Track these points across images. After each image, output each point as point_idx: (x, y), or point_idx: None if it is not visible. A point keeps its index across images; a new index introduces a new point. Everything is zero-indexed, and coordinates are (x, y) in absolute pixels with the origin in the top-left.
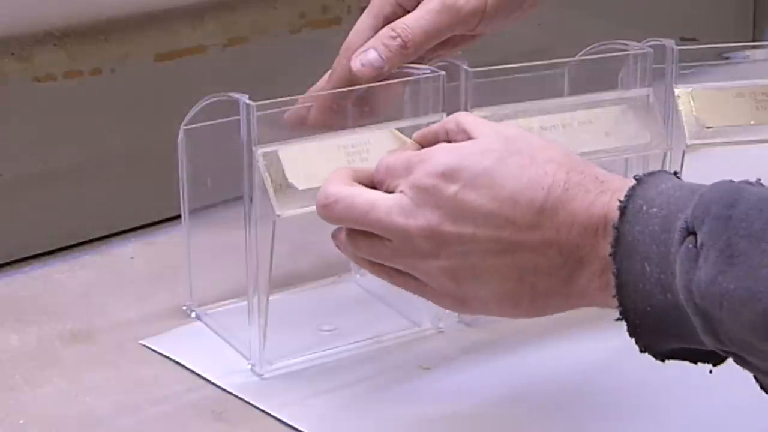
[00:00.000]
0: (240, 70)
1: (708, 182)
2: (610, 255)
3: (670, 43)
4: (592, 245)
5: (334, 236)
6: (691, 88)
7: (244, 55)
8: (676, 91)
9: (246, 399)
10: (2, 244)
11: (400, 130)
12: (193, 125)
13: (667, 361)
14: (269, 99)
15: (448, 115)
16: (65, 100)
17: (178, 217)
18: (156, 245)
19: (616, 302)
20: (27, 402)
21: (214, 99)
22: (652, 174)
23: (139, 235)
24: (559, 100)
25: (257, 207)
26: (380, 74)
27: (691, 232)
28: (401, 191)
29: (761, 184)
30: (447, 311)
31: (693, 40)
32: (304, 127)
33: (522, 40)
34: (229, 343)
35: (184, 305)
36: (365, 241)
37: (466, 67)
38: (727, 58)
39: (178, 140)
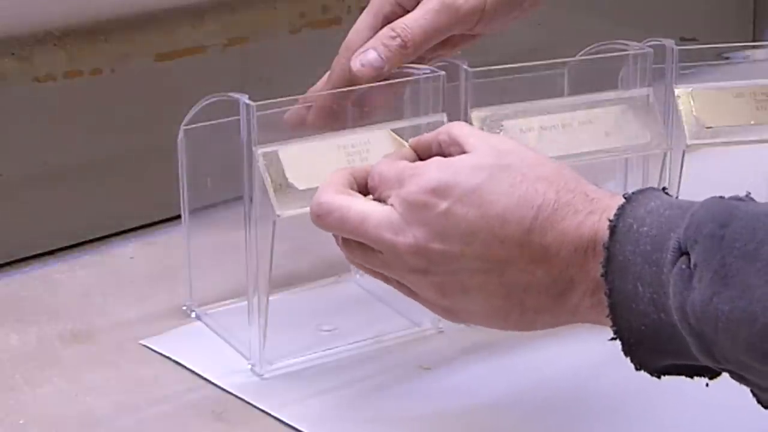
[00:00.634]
0: (240, 70)
1: (708, 182)
2: (602, 275)
3: (670, 43)
4: (581, 265)
5: (335, 236)
6: (691, 88)
7: (244, 55)
8: (676, 91)
9: (246, 399)
10: (2, 244)
11: (399, 130)
12: (193, 125)
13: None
14: (269, 99)
15: (448, 115)
16: (65, 100)
17: (178, 217)
18: (156, 245)
19: (609, 321)
20: (27, 402)
21: (214, 99)
22: (641, 191)
23: (139, 235)
24: (559, 100)
25: (257, 207)
26: (380, 74)
27: (683, 252)
28: (392, 204)
29: (752, 199)
30: None
31: (693, 40)
32: (303, 128)
33: (522, 40)
34: (229, 343)
35: (184, 305)
36: (359, 250)
37: (466, 67)
38: (727, 58)
39: (178, 140)
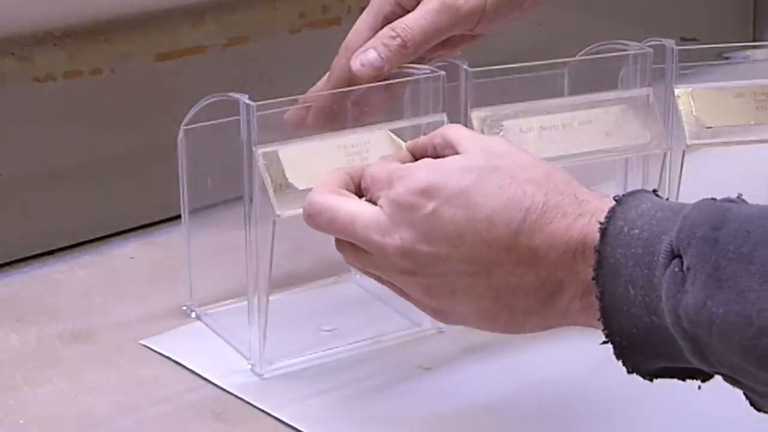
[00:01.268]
0: (240, 70)
1: (708, 182)
2: (593, 278)
3: (670, 43)
4: (570, 268)
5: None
6: (691, 88)
7: (244, 55)
8: (676, 91)
9: (246, 399)
10: (2, 244)
11: (400, 130)
12: (193, 125)
13: (655, 380)
14: (269, 99)
15: (448, 115)
16: (65, 100)
17: (178, 217)
18: (156, 245)
19: (600, 324)
20: (27, 402)
21: (214, 99)
22: (631, 194)
23: (139, 235)
24: (559, 100)
25: (257, 207)
26: (380, 74)
27: (676, 254)
28: (381, 205)
29: (744, 201)
30: None
31: (693, 40)
32: (303, 128)
33: (522, 40)
34: (229, 343)
35: (184, 305)
36: (351, 251)
37: (466, 67)
38: (727, 58)
39: (178, 140)
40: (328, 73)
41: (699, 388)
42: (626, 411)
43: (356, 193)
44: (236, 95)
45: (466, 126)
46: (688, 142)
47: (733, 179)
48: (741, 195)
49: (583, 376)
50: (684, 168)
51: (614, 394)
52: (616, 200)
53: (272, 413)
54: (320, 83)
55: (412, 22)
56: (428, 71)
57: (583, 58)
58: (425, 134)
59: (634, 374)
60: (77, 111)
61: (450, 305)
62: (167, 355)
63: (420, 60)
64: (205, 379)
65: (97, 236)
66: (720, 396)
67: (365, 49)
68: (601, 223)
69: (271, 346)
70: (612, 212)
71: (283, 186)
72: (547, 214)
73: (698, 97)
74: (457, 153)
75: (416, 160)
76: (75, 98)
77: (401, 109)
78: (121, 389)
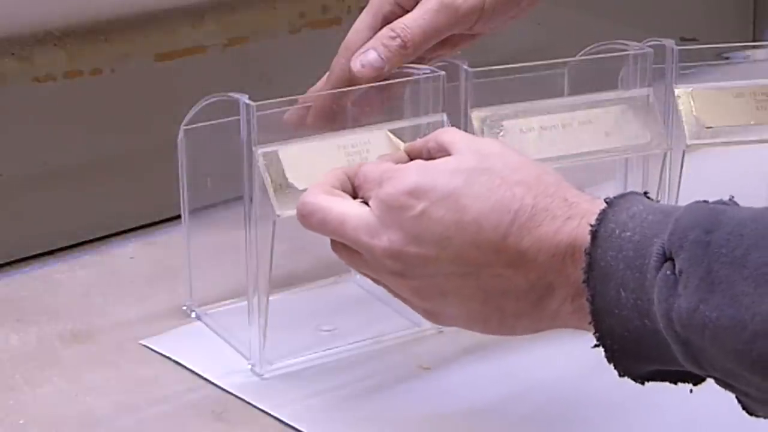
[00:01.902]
0: (240, 70)
1: (708, 182)
2: (584, 281)
3: (670, 43)
4: (560, 270)
5: None
6: (691, 88)
7: (244, 55)
8: (676, 91)
9: (246, 399)
10: (2, 244)
11: (399, 130)
12: (193, 125)
13: (646, 383)
14: (269, 99)
15: (448, 115)
16: (65, 100)
17: (178, 217)
18: (156, 245)
19: (591, 327)
20: (27, 402)
21: (214, 99)
22: (622, 196)
23: (139, 235)
24: (559, 100)
25: (257, 207)
26: (380, 74)
27: (668, 258)
28: (371, 205)
29: (735, 203)
30: None
31: (693, 40)
32: (303, 128)
33: (522, 40)
34: (229, 343)
35: (184, 305)
36: (345, 251)
37: (466, 67)
38: (727, 58)
39: (178, 140)
40: (327, 73)
41: (691, 391)
42: (625, 412)
43: (353, 193)
44: (236, 95)
45: (467, 126)
46: (688, 142)
47: (733, 179)
48: (733, 197)
49: (583, 376)
50: (684, 168)
51: (613, 394)
52: (606, 202)
53: (272, 413)
54: (320, 83)
55: (411, 22)
56: (428, 71)
57: (583, 58)
58: (425, 134)
59: (626, 378)
60: (77, 111)
61: (440, 307)
62: (167, 355)
63: (420, 60)
64: (205, 379)
65: (97, 236)
66: (712, 399)
67: (365, 50)
68: (591, 226)
69: (271, 346)
70: (603, 215)
71: (283, 186)
72: (536, 217)
73: (698, 97)
74: (449, 155)
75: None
76: (75, 98)
77: (401, 109)
78: (121, 389)
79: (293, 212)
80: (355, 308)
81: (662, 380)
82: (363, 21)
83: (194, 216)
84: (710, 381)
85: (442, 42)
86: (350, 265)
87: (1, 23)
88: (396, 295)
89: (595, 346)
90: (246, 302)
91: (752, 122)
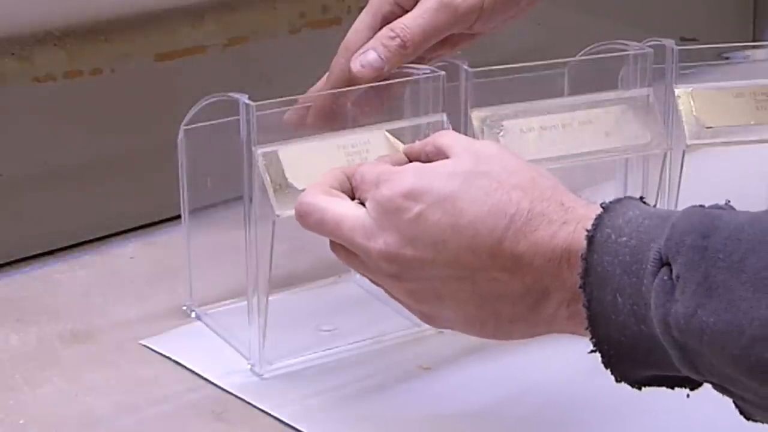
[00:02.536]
0: (240, 70)
1: (708, 182)
2: (580, 287)
3: (670, 43)
4: (556, 275)
5: None
6: (691, 88)
7: (244, 55)
8: (676, 91)
9: (246, 399)
10: (2, 244)
11: (399, 130)
12: (193, 125)
13: (643, 389)
14: (269, 99)
15: (448, 115)
16: (65, 100)
17: (178, 217)
18: (156, 245)
19: (587, 333)
20: (27, 402)
21: (214, 99)
22: (618, 201)
23: (139, 235)
24: (559, 100)
25: (257, 207)
26: (380, 75)
27: (665, 263)
28: (367, 207)
29: (732, 208)
30: None
31: (693, 40)
32: (303, 128)
33: (522, 40)
34: (229, 343)
35: (184, 305)
36: (342, 252)
37: (466, 67)
38: (727, 58)
39: (178, 140)
40: (327, 74)
41: (688, 396)
42: (621, 414)
43: (351, 193)
44: (236, 95)
45: (467, 126)
46: (688, 142)
47: (733, 179)
48: (729, 201)
49: (581, 378)
50: (684, 168)
51: (610, 397)
52: (603, 207)
53: (272, 413)
54: (320, 83)
55: (410, 22)
56: (428, 71)
57: (583, 58)
58: (425, 134)
59: (623, 383)
60: (77, 111)
61: (437, 310)
62: (167, 355)
63: (420, 60)
64: (205, 379)
65: (97, 236)
66: (709, 404)
67: (365, 50)
68: (588, 231)
69: (270, 346)
70: (599, 220)
71: (283, 186)
72: (532, 222)
73: (698, 97)
74: (447, 158)
75: (411, 162)
76: (75, 98)
77: (401, 109)
78: (121, 389)
79: (293, 212)
80: (355, 308)
81: (659, 385)
82: (362, 21)
83: (194, 216)
84: (707, 386)
85: (442, 42)
86: (348, 266)
87: (1, 23)
88: (393, 296)
89: (592, 351)
90: (246, 302)
91: (752, 122)
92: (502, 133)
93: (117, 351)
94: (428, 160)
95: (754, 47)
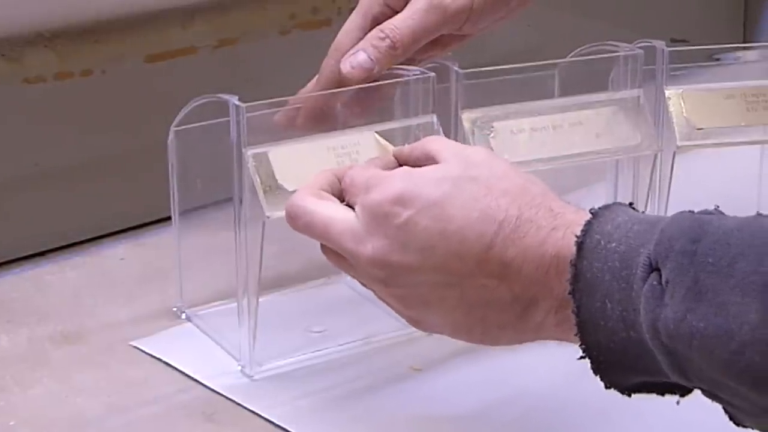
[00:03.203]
0: (230, 71)
1: (699, 184)
2: (569, 293)
3: (660, 44)
4: (544, 282)
5: None
6: (681, 90)
7: (235, 57)
8: (667, 93)
9: (236, 400)
10: None
11: (389, 131)
12: (184, 126)
13: (633, 395)
14: (259, 100)
15: (439, 116)
16: (56, 102)
17: (169, 218)
18: (146, 246)
19: (576, 339)
20: (17, 403)
21: (205, 100)
22: (607, 207)
23: (130, 236)
24: (549, 102)
25: (247, 208)
26: (370, 76)
27: (654, 268)
28: (356, 212)
29: (721, 212)
30: None
31: (683, 41)
32: (293, 129)
33: (513, 42)
34: (219, 345)
35: (174, 306)
36: (332, 255)
37: (456, 68)
38: (717, 60)
39: (169, 141)
40: (317, 75)
41: (678, 403)
42: (611, 417)
43: (341, 195)
44: (226, 96)
45: (457, 127)
46: (679, 143)
47: (724, 181)
48: (719, 207)
49: (571, 381)
50: (674, 169)
51: (600, 400)
52: (592, 213)
53: (262, 414)
54: (310, 85)
55: (400, 23)
56: (418, 72)
57: (573, 59)
58: (416, 135)
59: (612, 389)
60: (68, 112)
61: (424, 316)
62: (157, 356)
63: (410, 61)
64: (195, 380)
65: (88, 237)
66: (699, 409)
67: (355, 51)
68: (577, 237)
69: (260, 348)
70: (588, 226)
71: (273, 187)
72: (520, 228)
73: (689, 98)
74: (436, 163)
75: (401, 166)
76: (65, 99)
77: (391, 111)
78: (111, 390)
79: (283, 213)
80: (345, 309)
81: (649, 392)
82: (353, 22)
83: (184, 217)
84: (697, 392)
85: (433, 43)
86: (338, 268)
87: None
88: (382, 300)
89: (581, 357)
90: (236, 303)
91: (742, 123)
92: (492, 135)
93: (107, 352)
94: (417, 165)
95: (744, 48)
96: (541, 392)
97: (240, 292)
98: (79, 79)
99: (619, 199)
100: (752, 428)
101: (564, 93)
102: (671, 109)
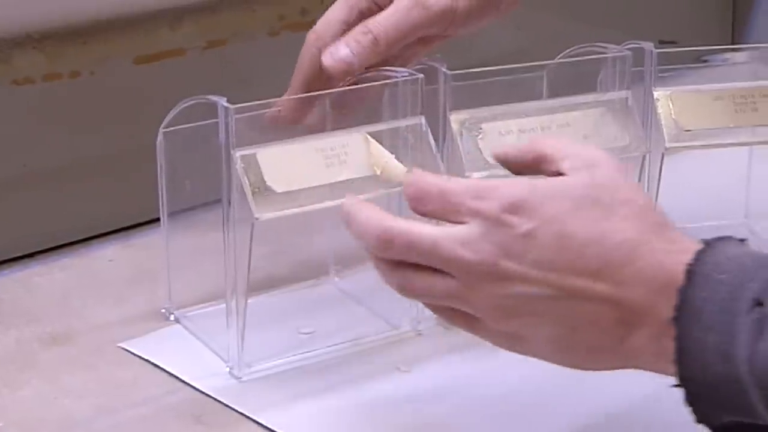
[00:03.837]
0: (219, 72)
1: (687, 185)
2: (673, 319)
3: (649, 45)
4: (651, 307)
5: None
6: (670, 91)
7: (223, 58)
8: (655, 94)
9: (224, 402)
10: None
11: (378, 132)
12: (172, 128)
13: None
14: (248, 101)
15: (427, 118)
16: (44, 103)
17: (157, 219)
18: (135, 248)
19: (671, 368)
20: (6, 405)
21: (193, 101)
22: (720, 238)
23: (118, 237)
24: (537, 103)
25: (236, 210)
26: (352, 70)
27: (759, 302)
28: (467, 221)
29: None
30: (426, 313)
31: (672, 42)
32: (279, 121)
33: (502, 44)
34: (208, 346)
35: (163, 308)
36: (418, 278)
37: (444, 69)
38: (705, 61)
39: (157, 143)
40: (297, 62)
41: None
42: (606, 413)
43: None
44: (215, 98)
45: (445, 128)
46: (667, 144)
47: (712, 182)
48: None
49: (566, 378)
50: (663, 171)
51: (597, 397)
52: (705, 243)
53: (251, 416)
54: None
55: (383, 19)
56: (406, 74)
57: (562, 60)
58: (404, 136)
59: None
60: (56, 113)
61: (525, 330)
62: (146, 357)
63: (395, 59)
64: (184, 381)
65: (76, 239)
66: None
67: (337, 45)
68: (689, 265)
69: (249, 349)
70: (700, 254)
71: (262, 189)
72: (637, 251)
73: (677, 99)
74: (558, 170)
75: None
76: (54, 101)
77: (379, 112)
78: (99, 392)
79: (271, 215)
80: (333, 311)
81: None
82: (336, 10)
83: (173, 218)
84: None
85: (418, 40)
86: (421, 293)
87: None
88: (469, 325)
89: (676, 386)
90: (225, 305)
91: (731, 125)
92: (480, 136)
93: (96, 353)
94: (529, 168)
95: (732, 50)
96: (529, 391)
97: (229, 293)
98: (68, 81)
99: None
100: None
101: (552, 94)
102: (659, 110)
